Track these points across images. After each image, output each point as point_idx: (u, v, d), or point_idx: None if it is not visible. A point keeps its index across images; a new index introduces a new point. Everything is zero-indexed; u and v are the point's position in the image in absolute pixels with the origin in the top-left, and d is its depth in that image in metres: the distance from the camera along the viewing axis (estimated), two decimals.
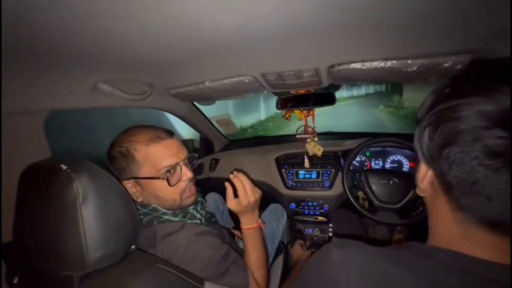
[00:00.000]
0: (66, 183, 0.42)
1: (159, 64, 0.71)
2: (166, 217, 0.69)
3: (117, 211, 0.47)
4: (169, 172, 0.67)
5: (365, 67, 0.71)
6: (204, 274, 0.63)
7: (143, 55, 0.63)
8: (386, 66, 0.69)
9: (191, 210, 0.74)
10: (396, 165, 1.30)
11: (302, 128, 1.26)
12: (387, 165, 1.32)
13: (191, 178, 0.72)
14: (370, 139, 1.13)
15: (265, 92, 1.01)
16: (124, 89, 0.74)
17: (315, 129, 1.24)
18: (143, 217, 0.67)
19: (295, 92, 1.12)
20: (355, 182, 1.11)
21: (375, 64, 0.70)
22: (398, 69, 0.70)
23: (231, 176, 0.77)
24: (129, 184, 0.67)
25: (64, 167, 0.42)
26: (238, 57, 0.70)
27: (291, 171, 1.37)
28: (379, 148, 1.33)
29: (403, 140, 1.07)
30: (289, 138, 1.60)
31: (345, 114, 10.71)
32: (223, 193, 1.37)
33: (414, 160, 1.27)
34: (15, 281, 0.52)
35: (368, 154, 1.35)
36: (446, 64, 0.65)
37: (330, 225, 1.34)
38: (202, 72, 0.81)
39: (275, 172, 1.40)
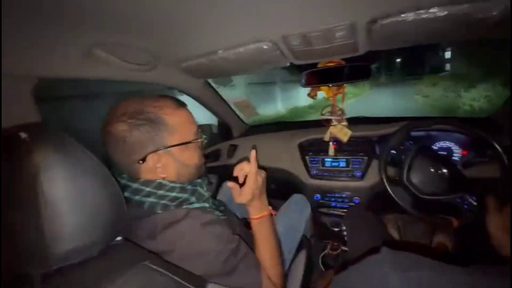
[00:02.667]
0: (24, 155, 0.33)
1: (164, 28, 0.60)
2: (173, 194, 0.59)
3: (94, 192, 0.37)
4: (200, 137, 0.66)
5: (421, 18, 0.54)
6: (209, 270, 0.54)
7: (146, 15, 0.52)
8: (453, 13, 0.51)
9: (198, 187, 0.65)
10: (445, 152, 1.09)
11: (328, 109, 1.09)
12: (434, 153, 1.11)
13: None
14: (419, 121, 0.93)
15: (287, 63, 0.87)
16: (123, 56, 0.64)
17: (344, 111, 1.07)
18: (145, 199, 0.58)
19: (323, 65, 0.95)
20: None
21: (436, 12, 0.52)
22: (470, 18, 0.51)
23: (234, 173, 0.70)
24: (155, 157, 0.58)
25: (23, 135, 0.33)
26: (254, 16, 0.57)
27: (316, 159, 1.21)
28: (423, 133, 1.12)
29: (463, 124, 0.87)
30: (314, 123, 1.43)
31: (374, 102, 9.91)
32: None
33: (467, 147, 1.05)
34: None
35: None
36: None
37: (343, 227, 1.16)
38: (213, 38, 0.69)
39: (298, 159, 1.26)
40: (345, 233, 1.18)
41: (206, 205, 0.64)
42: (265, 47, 0.71)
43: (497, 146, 0.80)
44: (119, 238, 0.44)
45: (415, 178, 0.88)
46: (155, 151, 0.57)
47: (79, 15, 0.49)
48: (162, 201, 0.58)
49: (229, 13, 0.56)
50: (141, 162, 0.57)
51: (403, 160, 0.92)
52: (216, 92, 1.30)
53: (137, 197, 0.57)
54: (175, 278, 0.40)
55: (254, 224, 0.69)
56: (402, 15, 0.55)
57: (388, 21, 0.57)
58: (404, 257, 0.29)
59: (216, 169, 1.52)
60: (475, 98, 6.72)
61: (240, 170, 0.69)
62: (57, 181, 0.34)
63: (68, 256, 0.34)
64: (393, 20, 0.56)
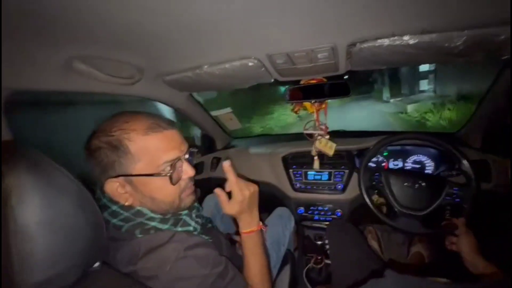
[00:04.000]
0: None
1: (148, 42, 0.60)
2: (153, 223, 0.56)
3: (71, 215, 0.35)
4: (171, 168, 0.56)
5: (395, 44, 0.58)
6: None
7: (130, 29, 0.52)
8: (423, 41, 0.56)
9: (184, 217, 0.62)
10: (418, 166, 1.16)
11: (311, 124, 1.12)
12: (408, 166, 1.17)
13: (192, 177, 0.62)
14: (394, 135, 0.98)
15: (272, 80, 0.89)
16: (105, 70, 0.63)
17: (327, 125, 1.11)
18: (122, 224, 0.55)
19: (306, 82, 0.99)
20: (374, 183, 0.97)
21: (409, 39, 0.57)
22: (438, 46, 0.56)
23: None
24: (116, 183, 0.53)
25: None
26: (241, 35, 0.59)
27: (299, 172, 1.23)
28: (398, 147, 1.19)
29: (435, 138, 0.93)
30: (298, 136, 1.47)
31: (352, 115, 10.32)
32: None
33: (439, 161, 1.12)
34: None
35: (386, 153, 1.22)
36: (502, 36, 0.51)
37: (326, 241, 1.18)
38: (199, 54, 0.70)
39: (282, 173, 1.27)
40: (327, 246, 1.19)
41: (190, 229, 0.61)
42: (250, 64, 0.72)
43: (465, 161, 0.86)
44: (97, 264, 0.41)
45: (395, 193, 0.92)
46: (114, 177, 0.53)
47: (58, 27, 0.47)
48: (141, 228, 0.55)
49: (216, 30, 0.56)
50: (105, 186, 0.53)
51: (381, 173, 0.96)
52: (200, 105, 1.30)
53: (114, 220, 0.54)
54: None
55: (243, 237, 0.68)
56: (379, 41, 0.59)
57: (366, 45, 0.61)
58: (410, 281, 0.29)
59: (199, 182, 1.49)
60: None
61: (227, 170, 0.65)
62: (29, 205, 0.31)
63: (40, 286, 0.31)
64: (370, 45, 0.60)
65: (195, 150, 0.70)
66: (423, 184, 0.90)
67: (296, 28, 0.56)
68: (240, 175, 0.67)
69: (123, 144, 0.52)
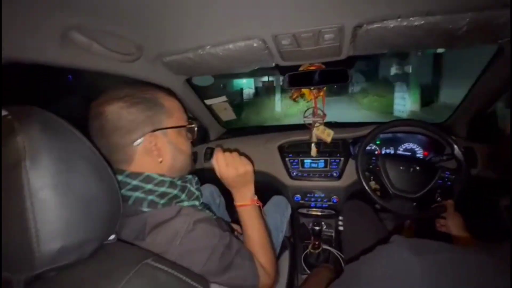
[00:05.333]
0: (6, 135, 0.27)
1: (151, 17, 0.57)
2: (162, 189, 0.55)
3: (88, 181, 0.32)
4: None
5: (401, 25, 0.60)
6: (207, 268, 0.51)
7: (133, 1, 0.49)
8: (428, 23, 0.58)
9: (188, 184, 0.62)
10: (409, 153, 1.21)
11: (310, 111, 1.13)
12: (399, 154, 1.22)
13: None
14: (390, 122, 1.02)
15: (273, 64, 0.88)
16: (103, 43, 0.59)
17: (325, 112, 1.12)
18: (130, 193, 0.53)
19: (305, 69, 0.99)
20: (370, 167, 1.00)
21: (414, 21, 0.58)
22: (442, 28, 0.58)
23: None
24: (151, 138, 0.56)
25: (4, 112, 0.28)
26: (248, 13, 0.57)
27: (296, 160, 1.24)
28: (390, 135, 1.23)
29: (429, 125, 0.97)
30: (292, 127, 1.47)
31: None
32: (218, 184, 1.25)
33: (428, 148, 1.18)
34: None
35: (378, 142, 1.25)
36: (502, 19, 0.54)
37: (340, 218, 1.22)
38: (202, 33, 0.67)
39: (278, 161, 1.27)
40: (326, 232, 1.22)
41: (196, 203, 0.61)
42: (255, 45, 0.71)
43: (456, 147, 0.91)
44: (112, 237, 0.38)
45: (391, 176, 0.95)
46: (152, 131, 0.56)
47: None
48: (150, 197, 0.53)
49: (223, 8, 0.55)
50: (137, 143, 0.54)
51: (378, 157, 0.99)
52: (195, 93, 1.26)
53: (122, 191, 0.52)
54: (180, 276, 0.36)
55: (238, 210, 0.70)
56: (385, 22, 0.60)
57: (373, 26, 0.62)
58: (419, 242, 0.30)
59: (193, 173, 1.46)
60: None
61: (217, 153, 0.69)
62: (44, 169, 0.28)
63: (56, 257, 0.29)
64: (377, 26, 0.61)
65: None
66: (417, 168, 0.94)
67: (305, 6, 0.56)
68: (239, 152, 0.70)
69: (159, 101, 0.58)
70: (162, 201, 0.54)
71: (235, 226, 0.97)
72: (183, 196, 0.58)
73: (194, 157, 1.47)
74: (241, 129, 1.90)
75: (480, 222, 0.96)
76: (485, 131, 1.11)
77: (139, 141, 0.54)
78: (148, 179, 0.54)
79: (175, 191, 0.56)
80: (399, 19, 0.59)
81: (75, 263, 0.31)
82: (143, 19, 0.58)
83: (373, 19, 0.60)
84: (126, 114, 0.53)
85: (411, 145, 1.21)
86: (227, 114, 1.48)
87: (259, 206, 0.72)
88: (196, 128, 0.68)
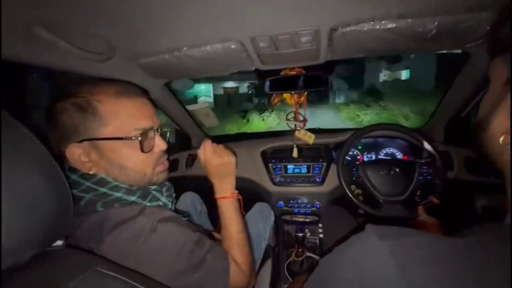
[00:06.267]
0: None
1: (124, 14, 0.54)
2: (118, 194, 0.51)
3: (31, 182, 0.29)
4: (142, 136, 0.53)
5: (375, 28, 0.61)
6: (175, 268, 0.47)
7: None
8: (400, 26, 0.59)
9: (153, 192, 0.57)
10: (389, 158, 1.22)
11: (291, 115, 1.13)
12: (381, 158, 1.24)
13: (165, 151, 0.62)
14: (369, 126, 1.03)
15: (253, 68, 0.88)
16: (71, 40, 0.56)
17: (306, 117, 1.12)
18: (83, 195, 0.48)
19: (286, 73, 1.00)
20: (353, 178, 1.00)
21: (387, 24, 0.60)
22: (412, 30, 0.60)
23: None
24: (79, 149, 0.49)
25: None
26: (224, 14, 0.57)
27: (279, 165, 1.23)
28: (371, 140, 1.25)
29: (398, 126, 0.99)
30: (276, 133, 1.47)
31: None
32: (200, 192, 1.21)
33: (408, 152, 1.20)
34: None
35: (360, 147, 1.27)
36: (467, 23, 0.56)
37: (320, 225, 1.21)
38: (178, 33, 0.66)
39: (261, 167, 1.25)
40: (310, 239, 1.20)
41: (160, 203, 0.57)
42: (233, 46, 0.70)
43: (425, 142, 0.94)
44: (60, 243, 0.34)
45: (376, 184, 0.95)
46: (78, 142, 0.49)
47: None
48: (103, 200, 0.49)
49: (198, 9, 0.54)
50: (63, 151, 0.49)
51: (358, 167, 1.00)
52: (176, 97, 1.23)
53: (74, 191, 0.48)
54: (135, 284, 0.32)
55: (218, 203, 0.70)
56: (359, 25, 0.61)
57: (348, 29, 0.63)
58: (389, 228, 0.29)
59: (174, 180, 1.41)
60: None
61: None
62: None
63: None
64: (351, 29, 0.62)
65: (167, 130, 0.69)
66: (397, 169, 0.95)
67: (280, 8, 0.56)
68: (224, 145, 0.72)
69: (92, 105, 0.49)
70: (117, 204, 0.50)
71: (216, 235, 0.93)
72: (145, 202, 0.54)
73: (175, 164, 1.42)
74: (226, 135, 1.88)
75: (457, 223, 0.97)
76: (461, 135, 1.15)
77: (66, 151, 0.49)
78: (101, 181, 0.50)
79: (132, 198, 0.52)
80: (372, 22, 0.60)
81: (11, 269, 0.27)
82: (114, 16, 0.56)
83: (348, 22, 0.61)
84: (59, 120, 0.49)
85: (391, 150, 1.23)
86: (210, 120, 1.45)
87: (239, 200, 0.72)
88: (150, 139, 0.57)
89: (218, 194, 0.70)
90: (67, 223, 0.34)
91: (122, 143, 0.52)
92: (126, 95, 0.53)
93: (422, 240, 0.26)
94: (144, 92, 0.59)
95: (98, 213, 0.48)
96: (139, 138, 0.53)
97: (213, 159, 0.67)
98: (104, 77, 0.75)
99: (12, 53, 0.52)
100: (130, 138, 0.52)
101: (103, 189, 0.50)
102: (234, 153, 0.72)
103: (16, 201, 0.27)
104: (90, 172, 0.51)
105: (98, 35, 0.61)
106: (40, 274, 0.28)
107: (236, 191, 0.72)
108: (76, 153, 0.49)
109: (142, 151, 0.54)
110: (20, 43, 0.52)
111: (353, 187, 1.06)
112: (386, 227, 0.30)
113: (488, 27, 0.57)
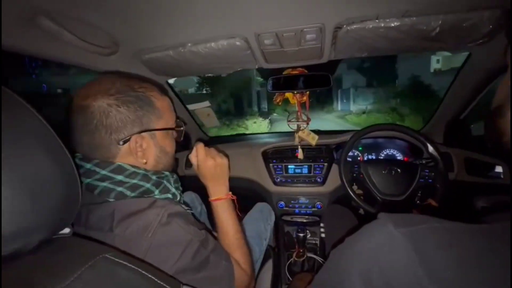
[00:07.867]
0: None
1: (129, 8, 0.54)
2: (133, 181, 0.52)
3: (39, 165, 0.28)
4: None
5: (380, 26, 0.61)
6: (180, 264, 0.47)
7: None
8: (404, 24, 0.60)
9: (163, 181, 0.58)
10: (390, 158, 1.23)
11: (294, 115, 1.13)
12: (381, 158, 1.24)
13: None
14: (365, 128, 1.04)
15: (256, 66, 0.88)
16: (77, 32, 0.56)
17: (309, 116, 1.13)
18: (97, 183, 0.49)
19: (288, 73, 1.00)
20: (354, 175, 1.00)
21: (391, 22, 0.61)
22: (417, 29, 0.61)
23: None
24: (138, 139, 0.53)
25: None
26: (229, 10, 0.57)
27: (279, 166, 1.22)
28: (371, 141, 1.25)
29: (402, 127, 1.00)
30: (275, 134, 1.47)
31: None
32: (200, 192, 1.20)
33: (408, 153, 1.21)
34: None
35: (360, 148, 1.27)
36: (471, 21, 0.57)
37: (321, 224, 1.20)
38: (183, 30, 0.66)
39: (262, 168, 1.24)
40: (311, 239, 1.19)
41: (170, 196, 0.58)
42: (237, 43, 0.71)
43: (429, 145, 0.94)
44: (67, 231, 0.33)
45: (376, 182, 0.95)
46: (140, 132, 0.53)
47: None
48: (119, 188, 0.50)
49: (205, 4, 0.54)
50: (122, 143, 0.51)
51: (360, 164, 1.00)
52: (178, 96, 1.23)
53: (88, 180, 0.49)
54: (145, 273, 0.31)
55: (213, 205, 0.70)
56: (364, 23, 0.62)
57: (352, 27, 0.63)
58: (403, 216, 0.29)
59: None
60: None
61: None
62: None
63: None
64: (356, 27, 0.63)
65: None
66: (399, 170, 0.95)
67: (286, 4, 0.57)
68: (215, 148, 0.73)
69: (151, 100, 0.55)
70: (132, 194, 0.51)
71: (217, 235, 0.92)
72: (156, 192, 0.54)
73: (175, 163, 1.41)
74: (226, 136, 1.88)
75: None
76: (460, 136, 1.16)
77: (124, 141, 0.51)
78: (119, 169, 0.51)
79: (147, 185, 0.53)
80: (377, 20, 0.61)
81: (17, 254, 0.26)
82: (122, 11, 0.56)
83: (353, 20, 0.62)
84: (115, 112, 0.49)
85: (391, 151, 1.23)
86: (211, 120, 1.45)
87: (233, 200, 0.72)
88: (183, 129, 0.66)
89: (212, 197, 0.70)
90: (74, 209, 0.34)
91: (170, 133, 0.61)
92: (164, 93, 0.61)
93: (437, 227, 0.26)
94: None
95: (109, 204, 0.48)
96: (182, 128, 0.64)
97: (206, 161, 0.68)
98: (108, 72, 0.75)
99: (14, 43, 0.52)
100: (179, 127, 0.63)
101: (119, 177, 0.50)
102: (227, 155, 0.73)
103: (24, 182, 0.26)
104: (141, 160, 0.54)
105: (103, 28, 0.61)
106: (48, 261, 0.27)
107: (230, 192, 0.72)
108: (135, 143, 0.52)
109: (179, 138, 0.65)
110: (23, 33, 0.52)
111: (354, 187, 1.06)
112: (400, 215, 0.29)
113: (491, 26, 0.58)
